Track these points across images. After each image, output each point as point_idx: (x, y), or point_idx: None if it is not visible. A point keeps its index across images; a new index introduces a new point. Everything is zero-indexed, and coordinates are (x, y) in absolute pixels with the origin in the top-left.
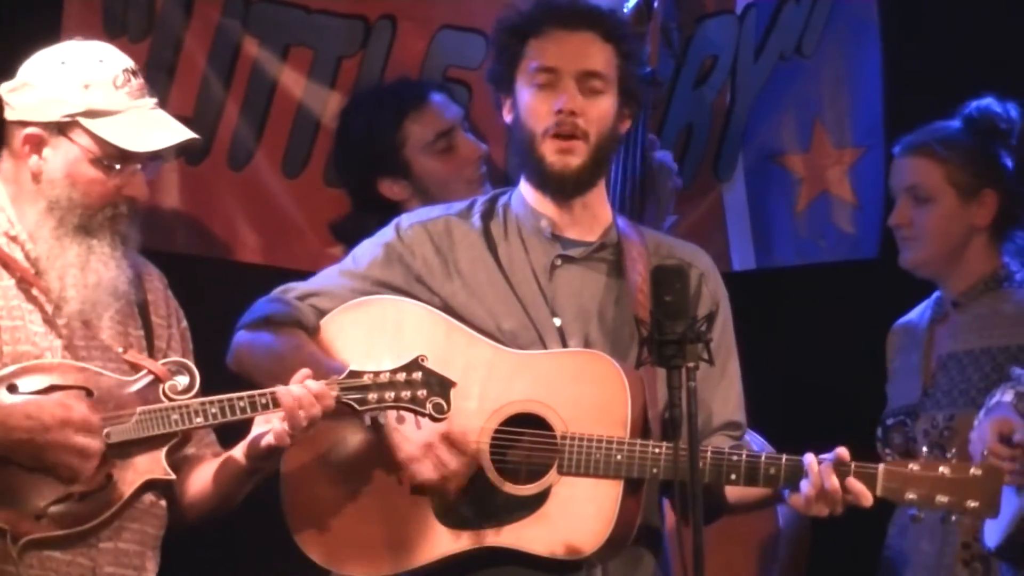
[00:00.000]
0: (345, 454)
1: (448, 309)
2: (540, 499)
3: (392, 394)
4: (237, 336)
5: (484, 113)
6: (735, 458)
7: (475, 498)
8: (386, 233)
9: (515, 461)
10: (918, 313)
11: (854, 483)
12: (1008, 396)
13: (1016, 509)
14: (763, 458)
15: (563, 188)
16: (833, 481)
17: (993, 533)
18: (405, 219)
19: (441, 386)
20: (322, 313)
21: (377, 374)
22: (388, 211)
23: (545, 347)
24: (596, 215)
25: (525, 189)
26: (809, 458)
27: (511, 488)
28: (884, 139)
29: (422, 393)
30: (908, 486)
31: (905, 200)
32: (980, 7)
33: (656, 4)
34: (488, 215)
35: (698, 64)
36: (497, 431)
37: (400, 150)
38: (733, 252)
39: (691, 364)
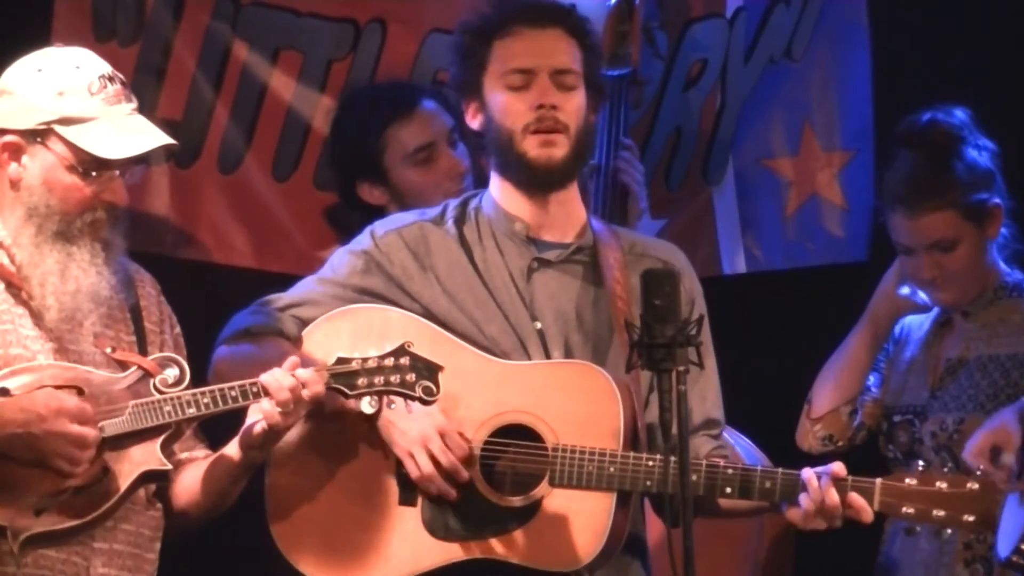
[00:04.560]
0: (332, 462)
1: (430, 315)
2: (531, 511)
3: (381, 379)
4: (217, 351)
5: None
6: (730, 472)
7: (464, 509)
8: (362, 240)
9: (505, 472)
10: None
11: (856, 498)
12: None
13: None
14: (759, 472)
15: (549, 181)
16: (833, 496)
17: (1005, 544)
18: (379, 226)
19: (429, 370)
20: (304, 323)
21: (365, 360)
22: (369, 212)
23: (527, 351)
24: (571, 214)
25: (497, 191)
26: (807, 473)
27: (501, 500)
28: (873, 142)
29: (411, 377)
30: (905, 501)
31: (929, 255)
32: (969, 11)
33: (637, 2)
34: (461, 220)
35: (687, 67)
36: (487, 442)
37: (380, 156)
38: (723, 256)
39: (681, 368)
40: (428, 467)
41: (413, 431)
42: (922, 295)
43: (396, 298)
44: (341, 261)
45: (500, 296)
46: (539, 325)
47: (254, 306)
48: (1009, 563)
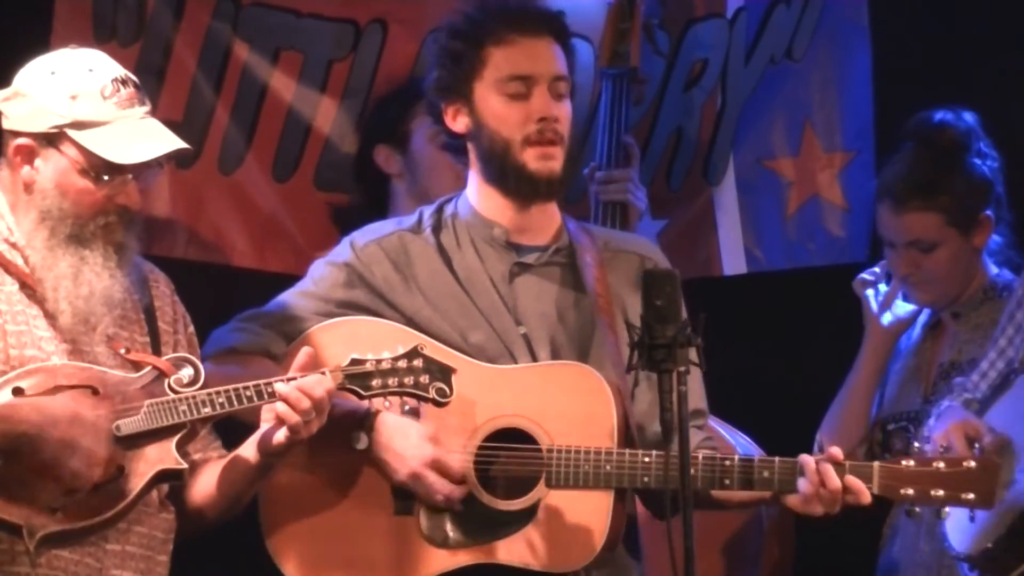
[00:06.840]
0: (327, 474)
1: (413, 325)
2: (529, 513)
3: (395, 380)
4: (203, 367)
5: None
6: (728, 463)
7: (462, 515)
8: (342, 252)
9: (501, 477)
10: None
11: (853, 481)
12: (957, 401)
13: (992, 517)
14: (756, 461)
15: (549, 193)
16: (833, 478)
17: (964, 537)
18: (359, 237)
19: (442, 372)
20: (289, 338)
21: (379, 361)
22: (375, 184)
23: (513, 356)
24: (551, 217)
25: (476, 196)
26: (805, 457)
27: (498, 504)
28: (874, 143)
29: (424, 379)
30: (903, 482)
31: (908, 253)
32: (970, 10)
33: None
34: (438, 227)
35: (688, 67)
36: (481, 447)
37: (407, 124)
38: (723, 256)
39: (681, 368)
40: (425, 501)
41: (403, 471)
42: (902, 302)
43: (379, 309)
44: (322, 274)
45: (482, 303)
46: (524, 330)
47: (236, 322)
48: (967, 558)
